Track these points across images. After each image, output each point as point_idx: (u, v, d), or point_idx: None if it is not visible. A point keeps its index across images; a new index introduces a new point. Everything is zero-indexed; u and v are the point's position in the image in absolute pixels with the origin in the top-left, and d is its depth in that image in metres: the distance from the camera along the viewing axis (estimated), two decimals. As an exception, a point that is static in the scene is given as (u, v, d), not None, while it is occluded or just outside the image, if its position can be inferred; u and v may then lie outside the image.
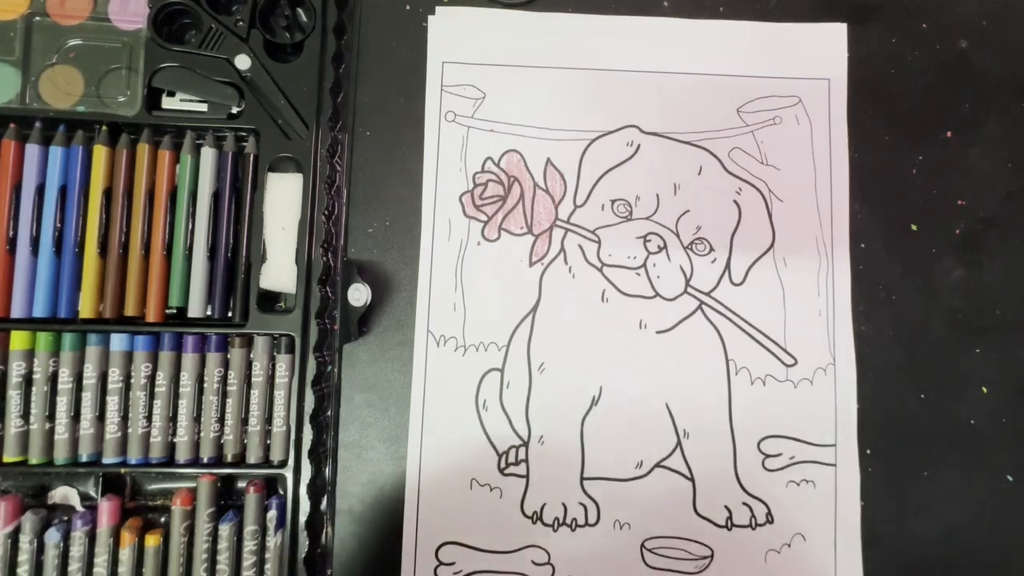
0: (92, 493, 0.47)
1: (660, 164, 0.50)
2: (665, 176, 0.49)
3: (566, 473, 0.48)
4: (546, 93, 0.50)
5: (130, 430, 0.46)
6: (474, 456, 0.48)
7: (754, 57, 0.51)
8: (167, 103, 0.49)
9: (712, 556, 0.47)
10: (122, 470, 0.47)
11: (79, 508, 0.47)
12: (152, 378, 0.47)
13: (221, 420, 0.47)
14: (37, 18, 0.48)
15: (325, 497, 0.47)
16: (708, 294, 0.48)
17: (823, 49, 0.51)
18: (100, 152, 0.47)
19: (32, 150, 0.46)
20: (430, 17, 0.51)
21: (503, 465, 0.48)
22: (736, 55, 0.51)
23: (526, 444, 0.48)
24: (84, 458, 0.46)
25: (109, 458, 0.46)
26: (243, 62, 0.48)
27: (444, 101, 0.50)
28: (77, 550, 0.45)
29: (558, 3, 0.52)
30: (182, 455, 0.47)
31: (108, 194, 0.47)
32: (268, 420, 0.47)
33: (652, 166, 0.50)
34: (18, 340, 0.46)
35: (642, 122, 0.50)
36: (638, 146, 0.50)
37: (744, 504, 0.47)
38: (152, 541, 0.45)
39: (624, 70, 0.51)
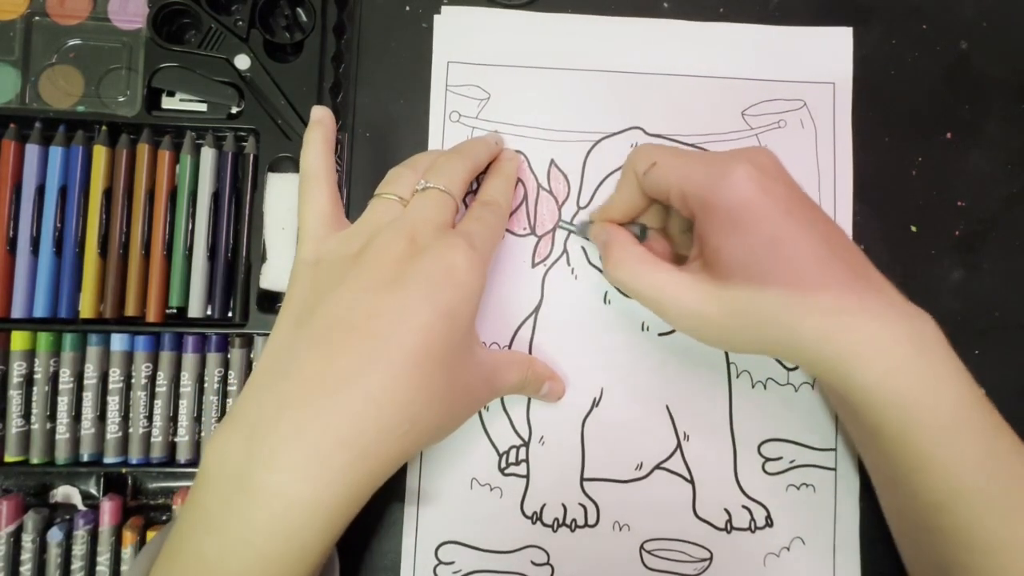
0: (94, 492, 0.47)
1: (663, 167, 0.49)
2: (668, 179, 0.49)
3: (566, 474, 0.48)
4: (551, 94, 0.50)
5: (131, 430, 0.47)
6: (474, 455, 0.48)
7: (759, 60, 0.51)
8: (167, 103, 0.48)
9: (711, 559, 0.47)
10: (123, 470, 0.47)
11: (81, 507, 0.47)
12: (152, 378, 0.47)
13: (222, 420, 0.47)
14: (37, 18, 0.48)
15: (326, 497, 0.47)
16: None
17: (828, 53, 0.51)
18: (100, 152, 0.46)
19: (32, 150, 0.46)
20: (436, 17, 0.51)
21: (503, 465, 0.48)
22: (741, 58, 0.51)
23: (527, 444, 0.48)
24: (85, 458, 0.46)
25: (110, 458, 0.46)
26: (243, 62, 0.48)
27: (449, 101, 0.50)
28: (79, 549, 0.45)
29: (558, 4, 0.51)
30: (183, 455, 0.47)
31: (108, 194, 0.47)
32: (269, 420, 0.47)
33: (656, 169, 0.49)
34: (19, 340, 0.46)
35: (646, 124, 0.50)
36: (641, 148, 0.50)
37: (744, 507, 0.48)
38: (154, 541, 0.45)
39: (629, 72, 0.51)
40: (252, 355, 0.48)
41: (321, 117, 0.44)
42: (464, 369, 0.39)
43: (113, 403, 0.46)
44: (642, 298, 0.42)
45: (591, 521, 0.48)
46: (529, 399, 0.48)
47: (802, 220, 0.38)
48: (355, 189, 0.50)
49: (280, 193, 0.48)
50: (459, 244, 0.39)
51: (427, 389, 0.36)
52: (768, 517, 0.48)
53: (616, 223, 0.46)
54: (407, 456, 0.37)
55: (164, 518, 0.48)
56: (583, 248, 0.49)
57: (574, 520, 0.47)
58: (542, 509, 0.48)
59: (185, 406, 0.47)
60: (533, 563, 0.47)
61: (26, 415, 0.46)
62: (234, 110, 0.48)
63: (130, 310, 0.46)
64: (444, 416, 0.39)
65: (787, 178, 0.40)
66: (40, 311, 0.46)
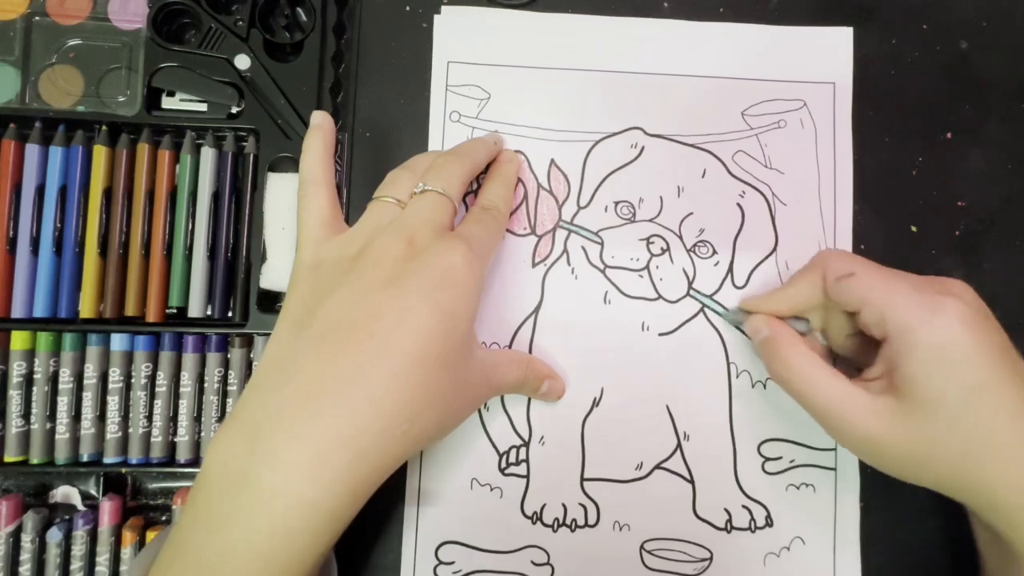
0: (93, 492, 0.47)
1: (664, 166, 0.49)
2: (669, 178, 0.49)
3: (566, 474, 0.48)
4: (551, 94, 0.50)
5: (131, 430, 0.47)
6: (475, 455, 0.48)
7: (760, 60, 0.51)
8: (167, 103, 0.48)
9: (711, 558, 0.47)
10: (123, 470, 0.47)
11: (80, 507, 0.47)
12: (152, 378, 0.47)
13: (222, 420, 0.47)
14: (37, 18, 0.48)
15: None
16: (711, 297, 0.49)
17: (829, 53, 0.51)
18: (100, 152, 0.46)
19: (32, 150, 0.46)
20: (436, 16, 0.51)
21: (504, 465, 0.48)
22: (742, 58, 0.51)
23: (527, 444, 0.48)
24: (85, 458, 0.46)
25: (110, 458, 0.46)
26: (243, 62, 0.48)
27: (449, 101, 0.50)
28: (79, 549, 0.45)
29: (558, 4, 0.51)
30: (183, 455, 0.47)
31: (108, 194, 0.47)
32: (269, 420, 0.47)
33: (656, 168, 0.49)
34: (19, 340, 0.46)
35: (646, 124, 0.50)
36: (642, 148, 0.50)
37: (743, 507, 0.48)
38: (154, 541, 0.45)
39: (629, 72, 0.51)
40: (252, 355, 0.48)
41: (321, 122, 0.45)
42: (464, 368, 0.40)
43: (113, 403, 0.46)
44: (808, 405, 0.41)
45: (591, 521, 0.48)
46: (529, 399, 0.48)
47: (1008, 368, 0.38)
48: (355, 189, 0.50)
49: (280, 193, 0.48)
50: (458, 246, 0.39)
51: (427, 388, 0.37)
52: (768, 517, 0.48)
53: (777, 317, 0.45)
54: (408, 455, 0.37)
55: (164, 518, 0.48)
56: (583, 248, 0.49)
57: (574, 520, 0.47)
58: (542, 509, 0.48)
59: (185, 406, 0.47)
60: (533, 563, 0.47)
61: (26, 415, 0.46)
62: (234, 110, 0.48)
63: (130, 310, 0.46)
64: (444, 415, 0.39)
65: (992, 318, 0.40)
66: (40, 311, 0.46)
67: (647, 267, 0.48)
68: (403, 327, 0.36)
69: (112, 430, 0.46)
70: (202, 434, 0.47)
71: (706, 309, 0.49)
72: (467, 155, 0.46)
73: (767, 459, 0.48)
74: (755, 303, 0.46)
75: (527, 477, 0.48)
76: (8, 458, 0.46)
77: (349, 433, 0.34)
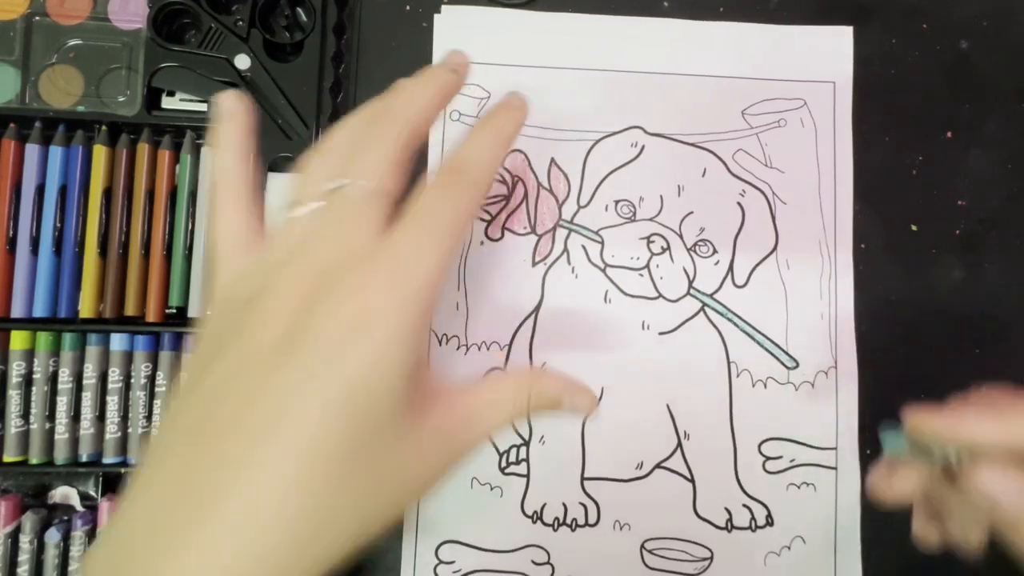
0: (92, 493, 0.47)
1: (664, 165, 0.50)
2: (669, 178, 0.49)
3: (567, 473, 0.48)
4: (551, 93, 0.50)
5: (130, 430, 0.47)
6: (475, 455, 0.48)
7: (760, 60, 0.51)
8: (167, 103, 0.48)
9: (712, 558, 0.47)
10: (122, 470, 0.47)
11: (79, 508, 0.47)
12: (152, 378, 0.47)
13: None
14: (37, 18, 0.48)
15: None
16: (711, 296, 0.49)
17: (829, 52, 0.51)
18: (100, 152, 0.46)
19: (32, 150, 0.46)
20: (436, 16, 0.51)
21: (504, 464, 0.48)
22: (742, 57, 0.51)
23: (527, 443, 0.48)
24: (84, 458, 0.46)
25: (109, 458, 0.46)
26: (243, 62, 0.48)
27: (448, 100, 0.50)
28: (77, 550, 0.45)
29: (558, 3, 0.51)
30: (183, 455, 0.47)
31: (108, 194, 0.47)
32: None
33: (656, 167, 0.50)
34: (18, 340, 0.46)
35: (646, 123, 0.50)
36: (642, 147, 0.50)
37: (744, 506, 0.47)
38: (153, 541, 0.45)
39: (629, 71, 0.51)
40: (252, 355, 0.48)
41: (231, 108, 0.33)
42: (403, 445, 0.28)
43: (112, 403, 0.46)
44: None
45: (592, 520, 0.47)
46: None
47: None
48: (355, 189, 0.49)
49: (280, 193, 0.48)
50: (379, 284, 0.27)
51: (327, 495, 0.26)
52: (769, 516, 0.48)
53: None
54: (333, 562, 0.27)
55: (163, 518, 0.48)
56: (584, 247, 0.49)
57: (574, 519, 0.47)
58: (542, 508, 0.48)
59: (185, 406, 0.47)
60: (533, 562, 0.47)
61: (25, 415, 0.46)
62: (234, 110, 0.48)
63: (130, 310, 0.46)
64: (377, 509, 0.28)
65: None
66: (39, 311, 0.46)
67: (647, 266, 0.48)
68: (286, 419, 0.26)
69: (111, 430, 0.46)
70: (202, 434, 0.47)
71: (706, 308, 0.49)
72: (398, 115, 0.31)
73: (767, 458, 0.48)
74: (973, 429, 0.35)
75: (527, 476, 0.48)
76: (7, 458, 0.46)
77: (224, 561, 0.25)
